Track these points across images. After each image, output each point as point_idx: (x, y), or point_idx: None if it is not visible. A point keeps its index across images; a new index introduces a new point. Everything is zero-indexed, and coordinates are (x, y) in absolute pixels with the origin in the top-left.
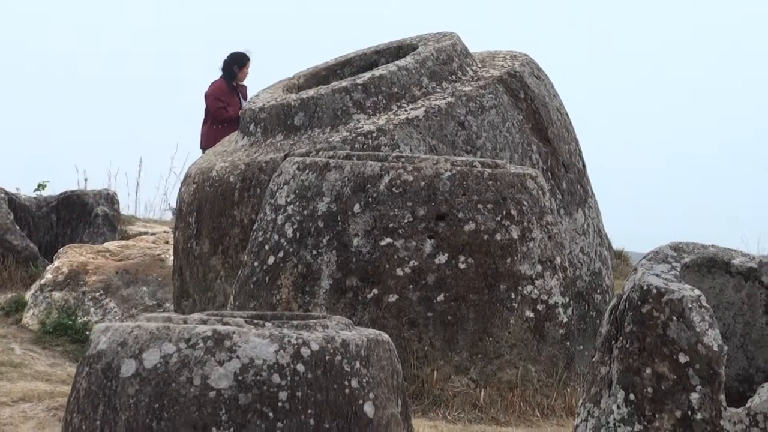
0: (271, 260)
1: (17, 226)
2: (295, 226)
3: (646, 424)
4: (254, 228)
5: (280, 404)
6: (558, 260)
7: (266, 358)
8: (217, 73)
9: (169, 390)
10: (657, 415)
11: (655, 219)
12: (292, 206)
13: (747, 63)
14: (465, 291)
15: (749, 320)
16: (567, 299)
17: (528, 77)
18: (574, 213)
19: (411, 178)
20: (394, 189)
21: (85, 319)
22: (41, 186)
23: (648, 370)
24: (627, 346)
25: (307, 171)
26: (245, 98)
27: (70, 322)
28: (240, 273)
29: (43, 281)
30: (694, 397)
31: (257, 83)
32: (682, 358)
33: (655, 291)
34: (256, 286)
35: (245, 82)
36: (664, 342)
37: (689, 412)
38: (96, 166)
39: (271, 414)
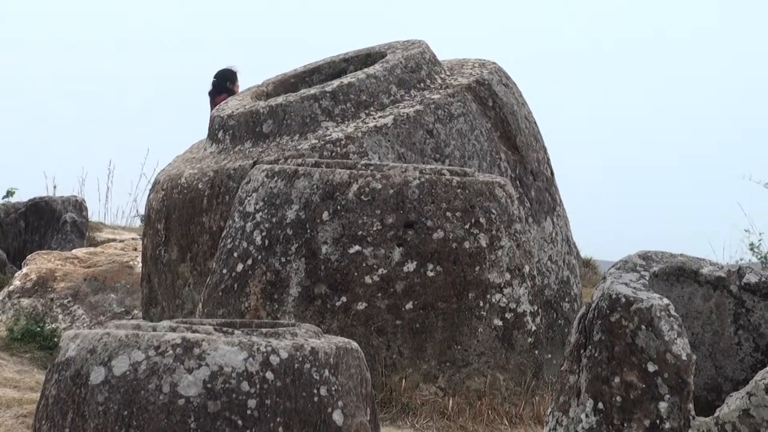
0: (239, 267)
1: None
2: (264, 234)
3: None
4: (223, 235)
5: (249, 412)
6: (526, 268)
7: (235, 365)
8: (195, 87)
9: (138, 397)
10: (626, 424)
11: (624, 228)
12: (260, 214)
13: (718, 71)
14: (433, 299)
15: (718, 329)
16: (535, 308)
17: (496, 85)
18: (543, 221)
19: (380, 186)
20: (362, 197)
21: (53, 325)
22: (10, 193)
23: (617, 379)
24: (596, 354)
25: (275, 178)
26: None
27: (39, 329)
28: (209, 280)
29: (11, 288)
30: (663, 406)
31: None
32: (651, 367)
33: (623, 300)
34: (224, 294)
35: None
36: (633, 351)
37: (658, 421)
38: (66, 173)
39: (240, 422)
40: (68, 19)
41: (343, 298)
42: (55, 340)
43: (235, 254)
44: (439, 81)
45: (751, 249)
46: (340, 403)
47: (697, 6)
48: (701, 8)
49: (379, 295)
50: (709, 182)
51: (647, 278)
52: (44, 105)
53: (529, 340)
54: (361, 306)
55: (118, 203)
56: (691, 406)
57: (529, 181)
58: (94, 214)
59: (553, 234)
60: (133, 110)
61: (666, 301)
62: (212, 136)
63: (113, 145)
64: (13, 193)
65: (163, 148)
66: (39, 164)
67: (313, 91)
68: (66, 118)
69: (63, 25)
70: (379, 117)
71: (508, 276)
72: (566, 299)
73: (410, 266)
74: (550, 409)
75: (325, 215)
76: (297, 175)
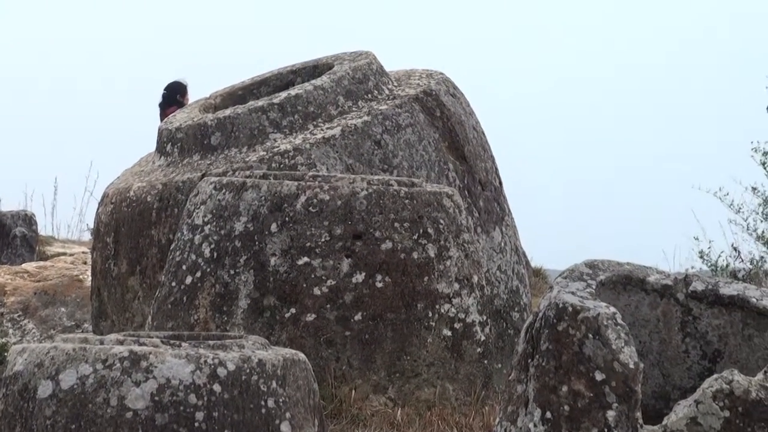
0: (188, 280)
1: None
2: (213, 246)
3: None
4: (172, 248)
5: (196, 424)
6: (475, 278)
7: (183, 378)
8: (141, 100)
9: (86, 411)
10: None
11: (575, 237)
12: (209, 226)
13: (667, 80)
14: (382, 310)
15: (665, 337)
16: (484, 317)
17: (444, 95)
18: (492, 231)
19: (327, 197)
20: (310, 208)
21: (3, 340)
22: None
23: (564, 388)
24: (543, 364)
25: (223, 191)
26: None
27: None
28: (158, 293)
29: None
30: (611, 414)
31: None
32: (599, 376)
33: (570, 309)
34: (173, 306)
35: None
36: (580, 360)
37: (606, 430)
38: (10, 187)
39: None
40: (7, 33)
41: (292, 310)
42: (5, 354)
43: (184, 267)
44: (387, 92)
45: (701, 257)
46: (287, 414)
47: (647, 11)
48: (652, 14)
49: (328, 306)
50: (660, 191)
51: (594, 287)
52: None
53: (479, 350)
54: (310, 317)
55: (64, 217)
56: (639, 414)
57: (478, 191)
58: (42, 228)
59: (502, 244)
60: (77, 122)
61: (613, 309)
62: (160, 149)
63: (57, 157)
64: None
65: (107, 161)
66: None
67: (261, 103)
68: (7, 131)
69: (3, 39)
70: (327, 128)
71: (456, 286)
72: (516, 309)
73: (359, 277)
74: (498, 419)
75: (274, 227)
76: (245, 187)
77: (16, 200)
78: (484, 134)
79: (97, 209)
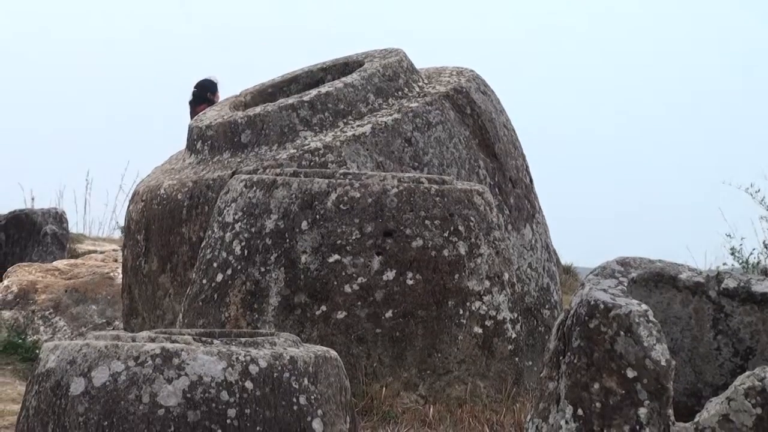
0: (219, 278)
1: None
2: (243, 244)
3: None
4: (202, 245)
5: (228, 421)
6: (506, 276)
7: (214, 375)
8: (173, 98)
9: (118, 408)
10: (605, 430)
11: (604, 234)
12: (239, 224)
13: (700, 77)
14: (413, 307)
15: (697, 335)
16: (515, 315)
17: (474, 93)
18: (522, 228)
19: (358, 195)
20: (341, 206)
21: (35, 337)
22: None
23: (596, 386)
24: (575, 361)
25: (254, 188)
26: None
27: (20, 341)
28: (188, 290)
29: None
30: (643, 412)
31: None
32: (630, 373)
33: (602, 306)
34: (204, 304)
35: None
36: (612, 357)
37: (638, 427)
38: (44, 185)
39: (220, 431)
40: (44, 31)
41: (323, 307)
42: (37, 351)
43: (215, 264)
44: (417, 89)
45: (732, 254)
46: (319, 411)
47: (682, 13)
48: (686, 15)
49: (359, 303)
50: (690, 188)
51: (626, 284)
52: (21, 116)
53: (510, 347)
54: (341, 315)
55: (95, 214)
56: (670, 411)
57: (508, 189)
58: (73, 226)
59: (533, 241)
60: (110, 121)
61: (645, 306)
62: (191, 146)
63: (90, 156)
64: None
65: (140, 159)
66: (15, 176)
67: (291, 100)
68: (42, 129)
69: (38, 37)
70: (357, 126)
71: (487, 283)
72: (546, 306)
73: (389, 275)
74: (529, 416)
75: (304, 225)
76: (275, 185)
77: (49, 198)
78: (514, 131)
79: (128, 207)
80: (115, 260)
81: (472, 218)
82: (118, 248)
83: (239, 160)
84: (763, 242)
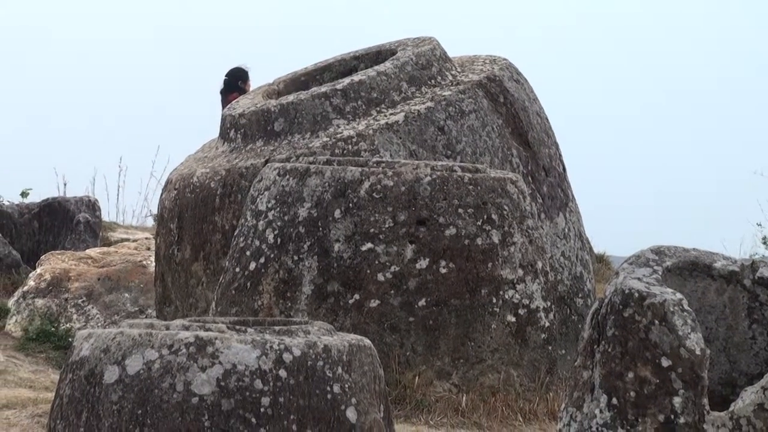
0: (252, 266)
1: None
2: (276, 232)
3: (629, 428)
4: (235, 234)
5: (262, 410)
6: (539, 264)
7: (248, 363)
8: (204, 86)
9: (152, 396)
10: (640, 420)
11: (637, 222)
12: (272, 212)
13: (733, 65)
14: (446, 296)
15: (731, 324)
16: (548, 303)
17: (507, 81)
18: (555, 217)
19: (391, 183)
20: (374, 194)
21: (68, 325)
22: (24, 194)
23: (630, 375)
24: (609, 350)
25: (287, 177)
26: None
27: (53, 329)
28: (221, 279)
29: (25, 288)
30: (677, 401)
31: None
32: (665, 362)
33: (636, 295)
34: (237, 292)
35: None
36: (647, 346)
37: (672, 416)
38: (77, 172)
39: (253, 420)
40: (77, 18)
41: (356, 296)
42: (70, 339)
43: (248, 253)
44: (450, 78)
45: (765, 243)
46: (353, 400)
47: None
48: (720, 6)
49: (392, 292)
50: (723, 177)
51: (660, 273)
52: (54, 103)
53: (543, 336)
54: (374, 303)
55: (128, 202)
56: (705, 400)
57: (541, 177)
58: (106, 214)
59: (566, 230)
60: (143, 109)
61: (679, 295)
62: (224, 134)
63: (123, 143)
64: (28, 194)
65: (173, 146)
66: (49, 162)
67: (324, 89)
68: (76, 116)
69: (72, 24)
70: (390, 114)
71: (520, 272)
72: (579, 295)
73: (423, 263)
74: (564, 405)
75: (337, 213)
76: (309, 173)
77: (81, 185)
78: (547, 120)
79: (161, 195)
80: (148, 248)
81: (505, 206)
82: (151, 236)
83: (272, 148)
84: None
